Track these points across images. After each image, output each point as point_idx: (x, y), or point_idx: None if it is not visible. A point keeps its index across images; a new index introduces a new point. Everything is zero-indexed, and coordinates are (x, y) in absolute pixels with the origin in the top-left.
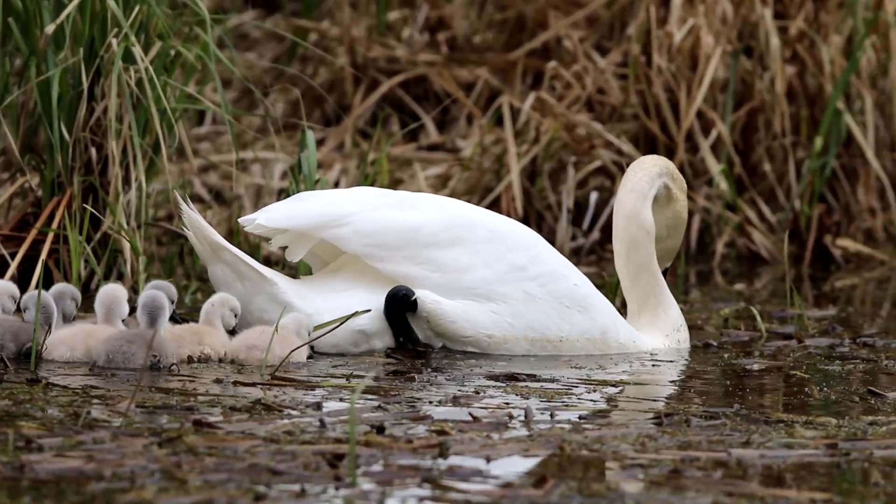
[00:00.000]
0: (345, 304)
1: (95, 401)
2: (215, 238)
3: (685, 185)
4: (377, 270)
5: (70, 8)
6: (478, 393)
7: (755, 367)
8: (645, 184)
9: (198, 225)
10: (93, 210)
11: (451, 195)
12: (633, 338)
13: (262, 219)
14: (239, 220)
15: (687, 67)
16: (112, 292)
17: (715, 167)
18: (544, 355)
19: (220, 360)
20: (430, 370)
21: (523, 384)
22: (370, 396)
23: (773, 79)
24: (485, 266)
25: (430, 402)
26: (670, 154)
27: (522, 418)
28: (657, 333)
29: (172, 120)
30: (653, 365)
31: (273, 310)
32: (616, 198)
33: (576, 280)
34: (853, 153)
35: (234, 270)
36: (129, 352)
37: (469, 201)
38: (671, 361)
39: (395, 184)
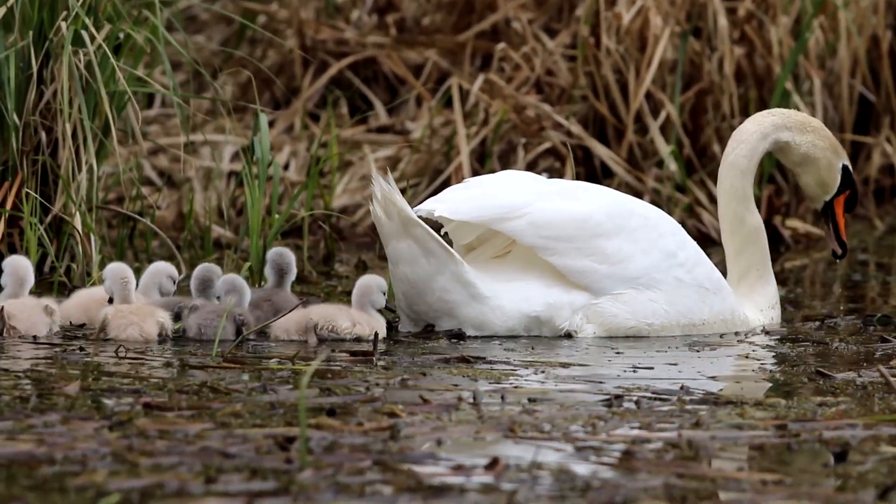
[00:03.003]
0: (520, 292)
1: (41, 384)
2: (409, 213)
3: (810, 122)
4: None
5: None
6: (425, 375)
7: (704, 348)
8: (744, 159)
9: (392, 199)
10: (43, 192)
11: (401, 177)
12: (748, 314)
13: (445, 211)
14: (417, 208)
15: (636, 49)
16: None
17: (664, 148)
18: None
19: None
20: (377, 353)
21: (470, 366)
22: (319, 379)
23: (722, 60)
24: (643, 254)
25: (379, 385)
26: (619, 135)
27: (472, 400)
28: (753, 307)
29: (132, 101)
30: (597, 347)
31: (455, 290)
32: (719, 170)
33: (710, 262)
34: None
35: (423, 247)
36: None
37: (419, 183)
38: (616, 343)
39: (344, 166)
